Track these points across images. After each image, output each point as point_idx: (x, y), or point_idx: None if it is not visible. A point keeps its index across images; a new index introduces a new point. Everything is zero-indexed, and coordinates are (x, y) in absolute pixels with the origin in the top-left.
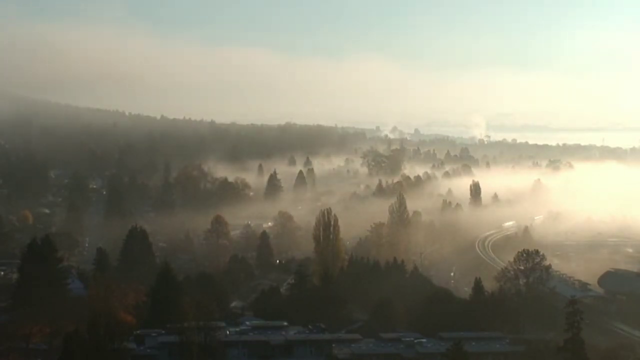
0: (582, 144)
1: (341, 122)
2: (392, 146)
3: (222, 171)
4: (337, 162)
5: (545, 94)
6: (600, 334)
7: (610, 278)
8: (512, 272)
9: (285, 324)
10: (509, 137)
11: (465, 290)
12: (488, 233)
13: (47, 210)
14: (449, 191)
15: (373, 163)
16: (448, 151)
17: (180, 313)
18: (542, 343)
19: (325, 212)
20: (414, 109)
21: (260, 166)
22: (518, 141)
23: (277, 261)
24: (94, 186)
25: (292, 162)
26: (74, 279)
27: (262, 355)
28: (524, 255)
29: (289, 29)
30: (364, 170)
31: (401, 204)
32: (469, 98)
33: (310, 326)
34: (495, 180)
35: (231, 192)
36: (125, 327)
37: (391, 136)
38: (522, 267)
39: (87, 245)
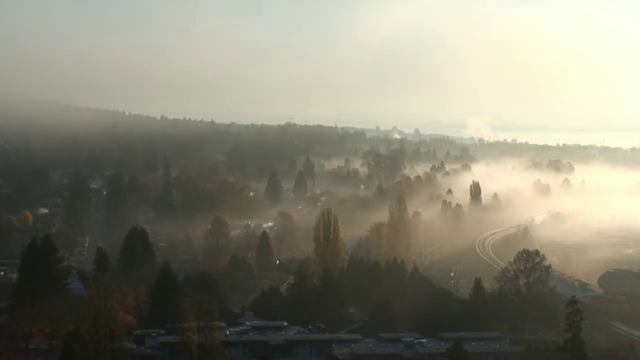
0: (582, 144)
1: (341, 122)
2: (392, 146)
3: (222, 171)
4: (337, 162)
5: (546, 94)
6: (600, 334)
7: (610, 278)
8: (512, 272)
9: (285, 324)
10: (509, 137)
11: (465, 291)
12: (488, 233)
13: (47, 210)
14: (449, 191)
15: (373, 163)
16: (448, 151)
17: (180, 313)
18: (542, 343)
19: (325, 212)
20: (414, 109)
21: (260, 166)
22: (518, 141)
23: (277, 261)
24: (94, 186)
25: (292, 162)
26: (74, 279)
27: (262, 355)
28: (524, 255)
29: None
30: (364, 170)
31: (401, 204)
32: (469, 98)
33: (310, 326)
34: (495, 180)
35: (231, 192)
36: (125, 327)
37: (393, 135)
38: (522, 267)
39: (87, 245)
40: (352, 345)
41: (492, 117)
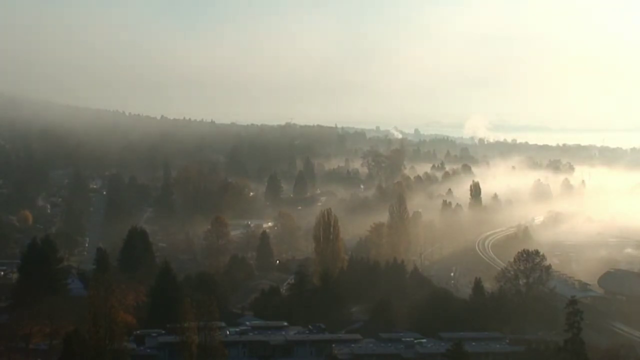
0: (582, 144)
1: (341, 122)
2: (392, 146)
3: (222, 171)
4: (337, 162)
5: (546, 94)
6: (600, 334)
7: (610, 278)
8: (512, 272)
9: (285, 324)
10: (509, 137)
11: (465, 291)
12: (488, 233)
13: (47, 210)
14: (449, 191)
15: (373, 163)
16: (448, 151)
17: (180, 313)
18: (542, 343)
19: (325, 212)
20: (413, 109)
21: (260, 166)
22: (518, 141)
23: (277, 261)
24: (94, 186)
25: (292, 162)
26: (74, 279)
27: (262, 355)
28: (524, 255)
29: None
30: (364, 170)
31: (401, 204)
32: (469, 98)
33: (310, 326)
34: (495, 180)
35: (231, 192)
36: (125, 327)
37: (393, 135)
38: (522, 267)
39: (87, 245)
40: (352, 345)
41: (492, 117)
